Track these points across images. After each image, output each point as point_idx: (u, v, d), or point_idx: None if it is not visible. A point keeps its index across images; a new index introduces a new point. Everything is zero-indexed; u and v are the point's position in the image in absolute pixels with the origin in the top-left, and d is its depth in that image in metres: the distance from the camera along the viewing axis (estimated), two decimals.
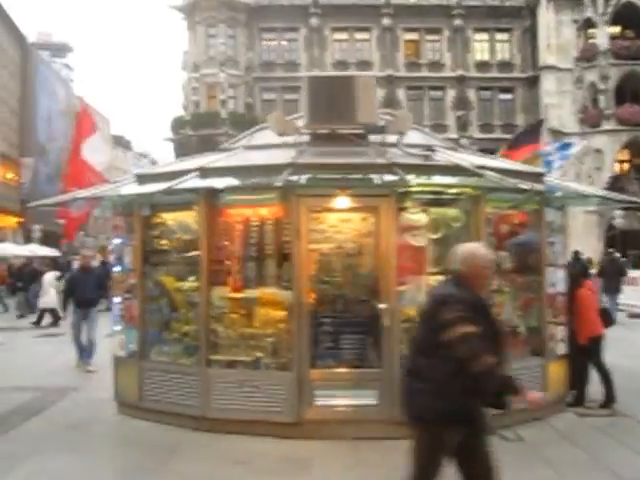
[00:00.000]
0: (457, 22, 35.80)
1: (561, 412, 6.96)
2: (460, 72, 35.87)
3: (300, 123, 6.61)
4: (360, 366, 6.20)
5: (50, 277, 16.27)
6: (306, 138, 6.74)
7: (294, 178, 5.84)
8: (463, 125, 35.93)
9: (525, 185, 6.18)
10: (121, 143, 69.47)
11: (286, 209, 6.20)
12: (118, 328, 7.03)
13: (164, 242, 6.76)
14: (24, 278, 19.21)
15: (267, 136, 6.98)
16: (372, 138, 6.74)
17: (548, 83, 34.76)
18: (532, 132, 11.62)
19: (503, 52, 36.67)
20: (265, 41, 36.66)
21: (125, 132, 79.11)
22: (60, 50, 51.81)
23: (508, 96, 36.69)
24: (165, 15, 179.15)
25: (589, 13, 34.12)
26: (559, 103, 34.34)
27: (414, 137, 6.87)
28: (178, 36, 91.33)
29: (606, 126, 32.94)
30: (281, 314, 6.31)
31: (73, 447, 5.90)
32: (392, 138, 6.75)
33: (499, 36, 36.52)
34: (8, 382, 8.67)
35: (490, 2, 36.24)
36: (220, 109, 34.73)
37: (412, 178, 5.79)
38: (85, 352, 9.62)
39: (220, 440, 5.97)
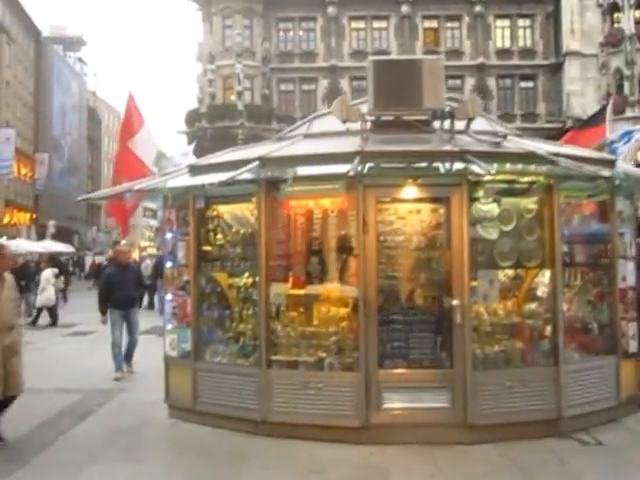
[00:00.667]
0: (478, 8, 35.15)
1: (634, 413, 6.60)
2: (480, 60, 35.28)
3: (364, 109, 6.25)
4: (430, 366, 5.86)
5: (48, 274, 15.59)
6: (368, 125, 6.38)
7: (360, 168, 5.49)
8: None
9: (606, 172, 5.81)
10: None
11: (352, 200, 5.86)
12: (169, 327, 6.73)
13: (219, 236, 6.45)
14: (26, 276, 18.54)
15: (327, 124, 6.64)
16: (436, 124, 6.38)
17: (572, 70, 34.11)
18: (599, 115, 11.06)
19: (525, 39, 36.00)
20: (282, 31, 36.26)
21: None
22: (74, 44, 51.51)
23: (529, 84, 36.07)
24: (175, 7, 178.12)
25: None
26: (582, 91, 33.70)
27: (480, 124, 6.49)
28: (189, 29, 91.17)
29: (629, 113, 32.27)
30: (345, 311, 5.99)
31: (130, 454, 5.64)
32: (455, 125, 6.38)
33: (521, 22, 35.85)
34: (47, 383, 8.39)
35: None
36: (237, 101, 34.36)
37: (486, 166, 5.43)
38: (125, 355, 9.07)
39: (283, 446, 5.68)
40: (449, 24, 35.84)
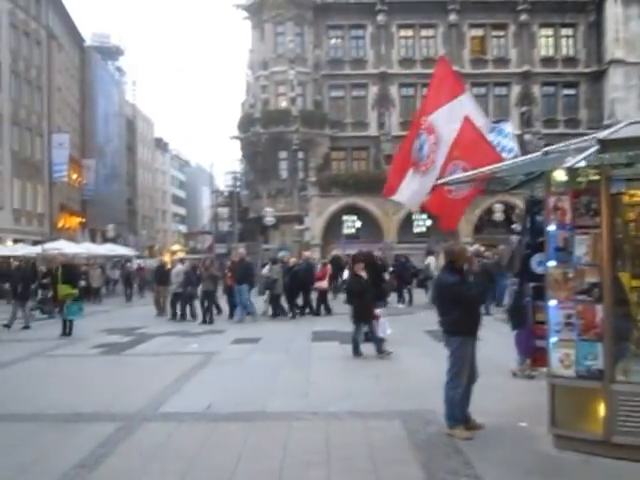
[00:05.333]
0: (523, 17, 34.08)
1: None
2: (526, 68, 34.18)
3: None
4: None
5: None
6: None
7: None
8: (527, 121, 34.18)
9: None
10: (160, 145, 67.31)
11: None
12: (555, 339, 5.18)
13: None
14: (24, 279, 15.39)
15: None
16: None
17: (616, 77, 33.13)
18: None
19: (568, 47, 34.98)
20: (332, 38, 34.82)
21: (164, 134, 75.54)
22: (113, 53, 49.56)
23: (572, 91, 35.05)
24: (205, 18, 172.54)
25: None
26: (626, 97, 32.78)
27: None
28: (221, 37, 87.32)
29: None
30: None
31: None
32: None
33: (564, 31, 34.84)
34: (326, 405, 6.74)
35: None
36: (290, 106, 32.86)
37: None
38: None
39: None
40: (495, 32, 34.72)
